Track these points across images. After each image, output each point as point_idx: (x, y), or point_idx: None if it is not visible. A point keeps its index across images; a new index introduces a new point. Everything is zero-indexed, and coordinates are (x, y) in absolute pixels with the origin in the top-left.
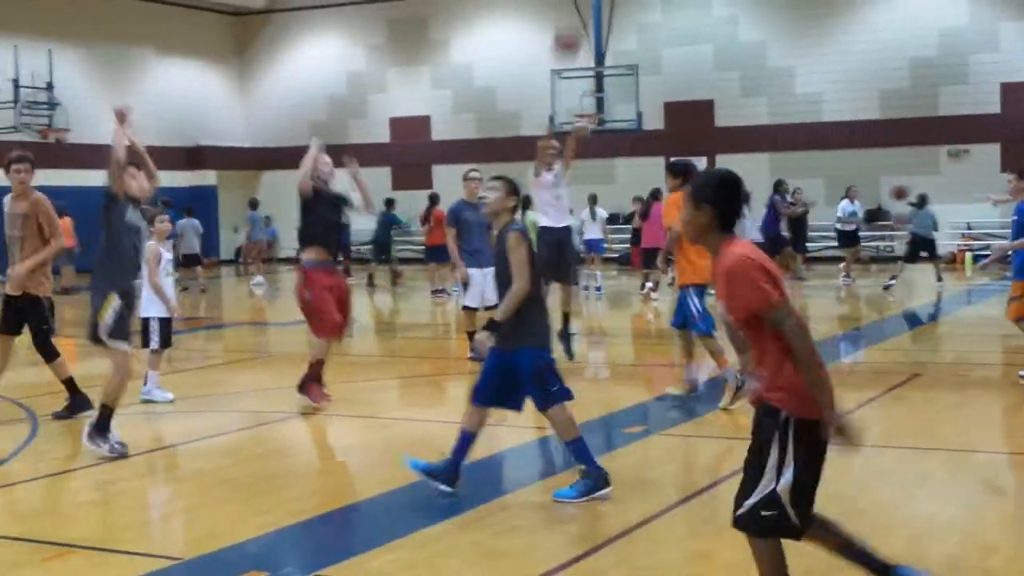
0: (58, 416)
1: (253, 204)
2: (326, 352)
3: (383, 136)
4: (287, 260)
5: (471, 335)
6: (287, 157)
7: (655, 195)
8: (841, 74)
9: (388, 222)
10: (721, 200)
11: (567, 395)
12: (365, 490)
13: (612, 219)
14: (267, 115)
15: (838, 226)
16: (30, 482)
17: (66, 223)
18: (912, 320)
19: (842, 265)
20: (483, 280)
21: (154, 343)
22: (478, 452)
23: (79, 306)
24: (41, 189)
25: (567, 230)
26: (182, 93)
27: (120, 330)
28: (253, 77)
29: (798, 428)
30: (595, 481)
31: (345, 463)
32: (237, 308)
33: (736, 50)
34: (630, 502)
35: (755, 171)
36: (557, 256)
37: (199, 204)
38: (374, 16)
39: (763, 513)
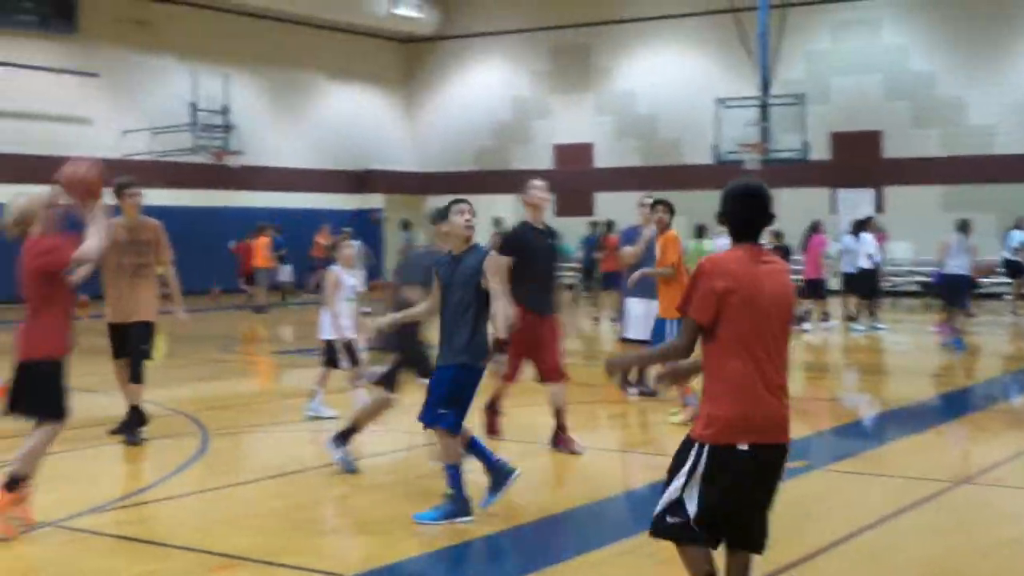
0: (117, 432)
1: (405, 225)
2: (562, 399)
3: (546, 162)
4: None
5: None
6: (452, 182)
7: (815, 227)
8: (1015, 105)
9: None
10: (731, 211)
11: (452, 426)
12: (525, 515)
13: (775, 251)
14: (433, 140)
15: (1008, 255)
16: (200, 494)
17: (263, 242)
18: None
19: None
20: (646, 312)
21: (344, 363)
22: (634, 481)
23: (269, 324)
24: (215, 211)
25: None
26: (351, 118)
27: (386, 378)
28: (420, 102)
29: (709, 453)
30: (458, 507)
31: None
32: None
33: (906, 79)
34: (791, 538)
35: (925, 204)
36: None
37: (366, 228)
38: (539, 43)
39: (668, 519)
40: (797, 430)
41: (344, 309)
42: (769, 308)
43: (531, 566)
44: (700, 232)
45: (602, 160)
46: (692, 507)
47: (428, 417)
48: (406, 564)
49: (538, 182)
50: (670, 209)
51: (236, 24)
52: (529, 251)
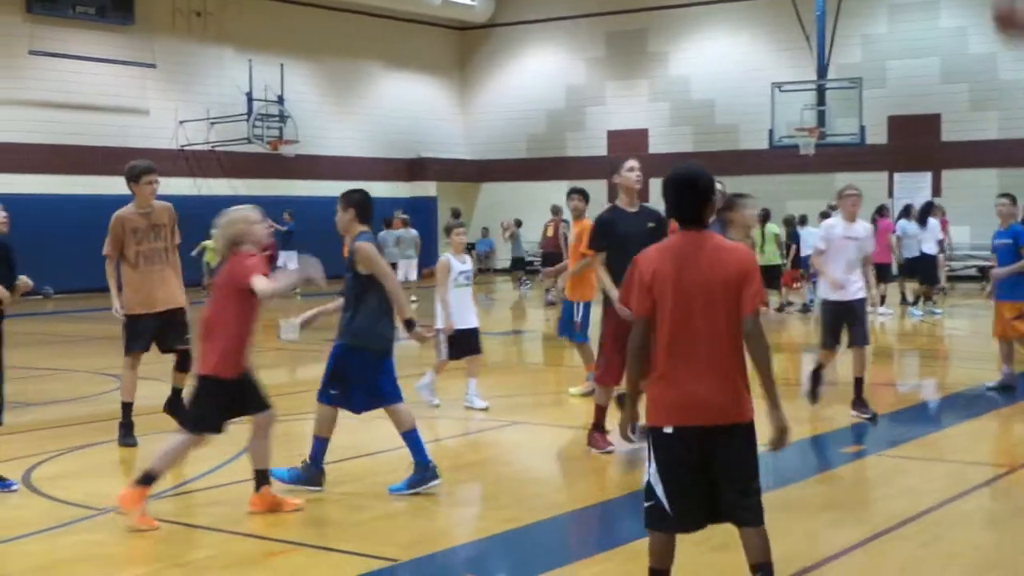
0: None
1: (455, 215)
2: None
3: (600, 149)
4: (504, 271)
5: None
6: (505, 169)
7: (880, 211)
8: None
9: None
10: (665, 197)
11: (336, 402)
12: (577, 500)
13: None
14: (486, 127)
15: None
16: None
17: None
18: None
19: None
20: None
21: (442, 354)
22: None
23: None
24: (271, 200)
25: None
26: (405, 106)
27: None
28: (474, 90)
29: (650, 436)
30: (423, 474)
31: (558, 473)
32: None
33: (965, 62)
34: (847, 523)
35: (983, 187)
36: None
37: (419, 215)
38: (594, 30)
39: (645, 504)
40: (851, 416)
41: (456, 296)
42: (693, 291)
43: (586, 551)
44: (765, 217)
45: (657, 146)
46: (659, 489)
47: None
48: (460, 549)
49: (632, 162)
50: (585, 198)
51: (291, 13)
52: (620, 237)
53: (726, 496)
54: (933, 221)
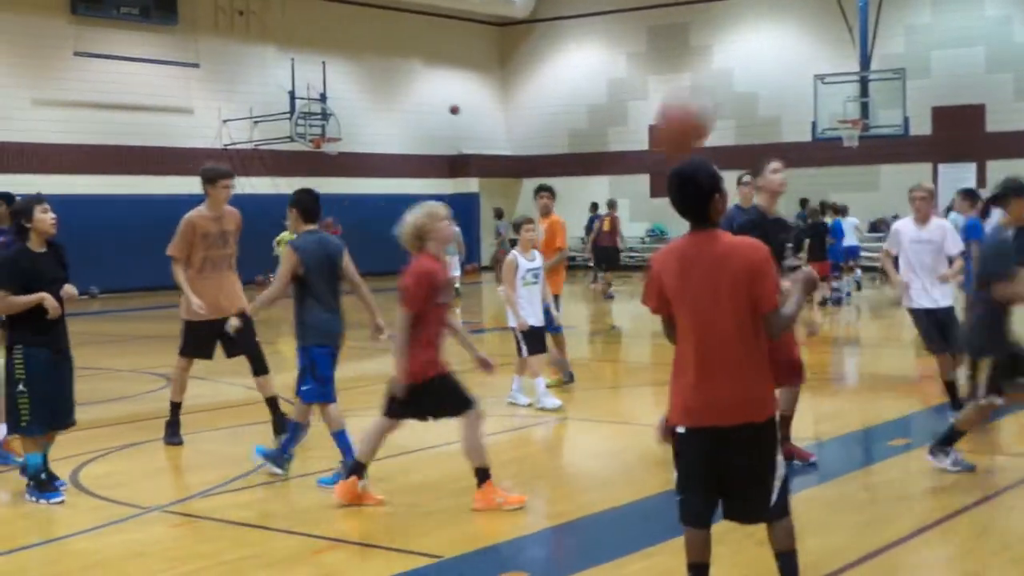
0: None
1: (498, 214)
2: (793, 405)
3: (642, 144)
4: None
5: None
6: (547, 165)
7: None
8: None
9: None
10: (671, 197)
11: (313, 398)
12: (621, 496)
13: (876, 227)
14: (528, 123)
15: None
16: (300, 478)
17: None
18: None
19: None
20: None
21: (523, 352)
22: None
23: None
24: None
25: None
26: (447, 102)
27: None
28: (515, 86)
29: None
30: (350, 471)
31: (602, 468)
32: (491, 313)
33: (1010, 51)
34: (895, 517)
35: None
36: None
37: (461, 211)
38: (635, 24)
39: (677, 498)
40: (900, 408)
41: (524, 294)
42: (700, 293)
43: (630, 546)
44: (822, 210)
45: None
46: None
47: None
48: (503, 547)
49: (776, 163)
50: (553, 195)
51: (333, 12)
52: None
53: (741, 493)
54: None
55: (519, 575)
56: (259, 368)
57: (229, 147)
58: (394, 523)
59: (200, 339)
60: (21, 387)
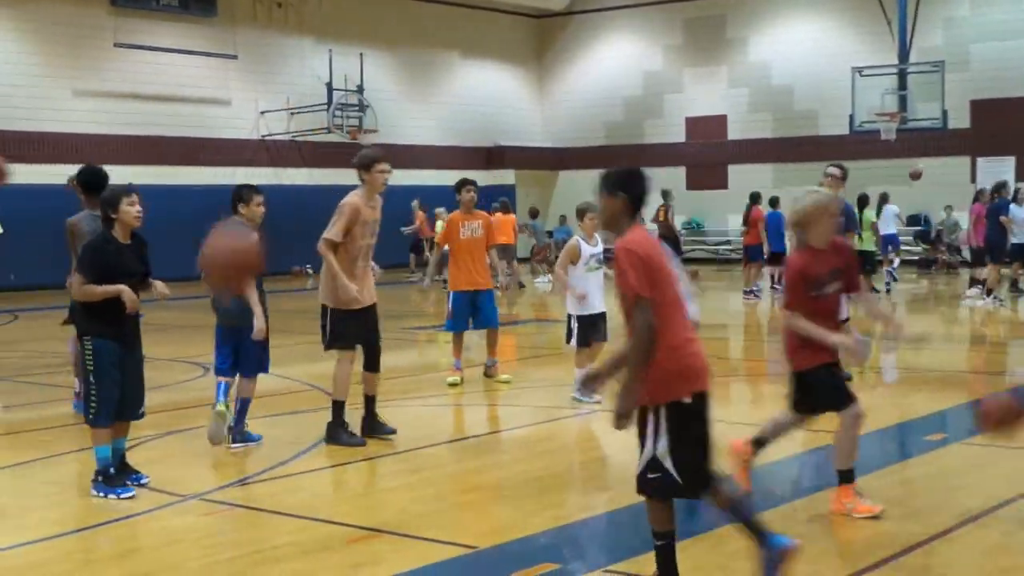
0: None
1: (533, 214)
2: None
3: (678, 136)
4: None
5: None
6: (583, 157)
7: (977, 197)
8: None
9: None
10: (631, 189)
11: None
12: None
13: (913, 221)
14: (564, 115)
15: None
16: (337, 467)
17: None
18: None
19: None
20: None
21: (573, 341)
22: (768, 456)
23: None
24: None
25: None
26: (484, 94)
27: None
28: (551, 78)
29: (667, 410)
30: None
31: (634, 460)
32: (526, 306)
33: None
34: (933, 511)
35: None
36: None
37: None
38: (672, 16)
39: (649, 475)
40: (937, 403)
41: (586, 280)
42: (673, 270)
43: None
44: (862, 202)
45: (736, 132)
46: (668, 462)
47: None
48: (535, 538)
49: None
50: (477, 189)
51: (370, 3)
52: None
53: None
54: None
55: (551, 567)
56: (374, 365)
57: (266, 138)
58: (427, 513)
59: (348, 328)
60: (91, 378)
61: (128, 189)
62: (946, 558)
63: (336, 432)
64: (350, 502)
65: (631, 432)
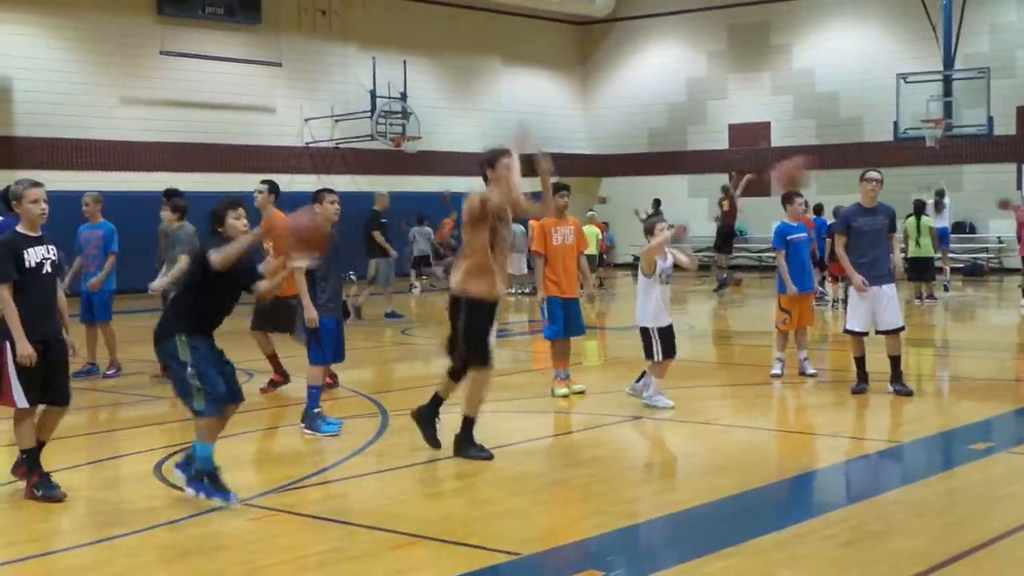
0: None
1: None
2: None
3: (722, 143)
4: (624, 266)
5: (859, 362)
6: (626, 164)
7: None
8: None
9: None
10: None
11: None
12: (699, 496)
13: (959, 228)
14: (607, 122)
15: None
16: (380, 473)
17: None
18: None
19: None
20: (875, 299)
21: (656, 354)
22: (813, 465)
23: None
24: (394, 196)
25: None
26: (527, 101)
27: None
28: (595, 85)
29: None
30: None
31: (678, 468)
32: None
33: None
34: (977, 521)
35: None
36: None
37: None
38: (715, 23)
39: None
40: (979, 412)
41: (660, 293)
42: None
43: (706, 548)
44: (920, 208)
45: (780, 140)
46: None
47: None
48: (579, 545)
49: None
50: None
51: (414, 11)
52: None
53: None
54: None
55: (595, 574)
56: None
57: (311, 145)
58: (471, 519)
59: (488, 317)
60: (190, 370)
61: (234, 202)
62: (990, 570)
63: (464, 447)
64: (394, 508)
65: (678, 439)
